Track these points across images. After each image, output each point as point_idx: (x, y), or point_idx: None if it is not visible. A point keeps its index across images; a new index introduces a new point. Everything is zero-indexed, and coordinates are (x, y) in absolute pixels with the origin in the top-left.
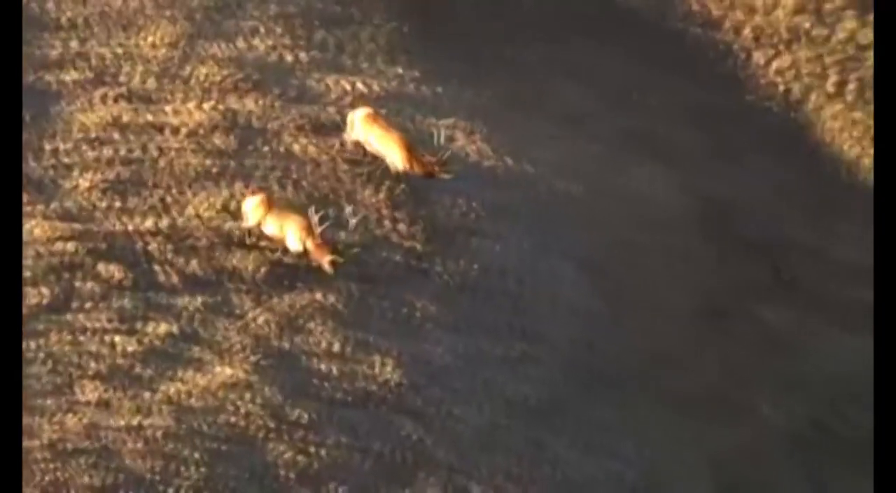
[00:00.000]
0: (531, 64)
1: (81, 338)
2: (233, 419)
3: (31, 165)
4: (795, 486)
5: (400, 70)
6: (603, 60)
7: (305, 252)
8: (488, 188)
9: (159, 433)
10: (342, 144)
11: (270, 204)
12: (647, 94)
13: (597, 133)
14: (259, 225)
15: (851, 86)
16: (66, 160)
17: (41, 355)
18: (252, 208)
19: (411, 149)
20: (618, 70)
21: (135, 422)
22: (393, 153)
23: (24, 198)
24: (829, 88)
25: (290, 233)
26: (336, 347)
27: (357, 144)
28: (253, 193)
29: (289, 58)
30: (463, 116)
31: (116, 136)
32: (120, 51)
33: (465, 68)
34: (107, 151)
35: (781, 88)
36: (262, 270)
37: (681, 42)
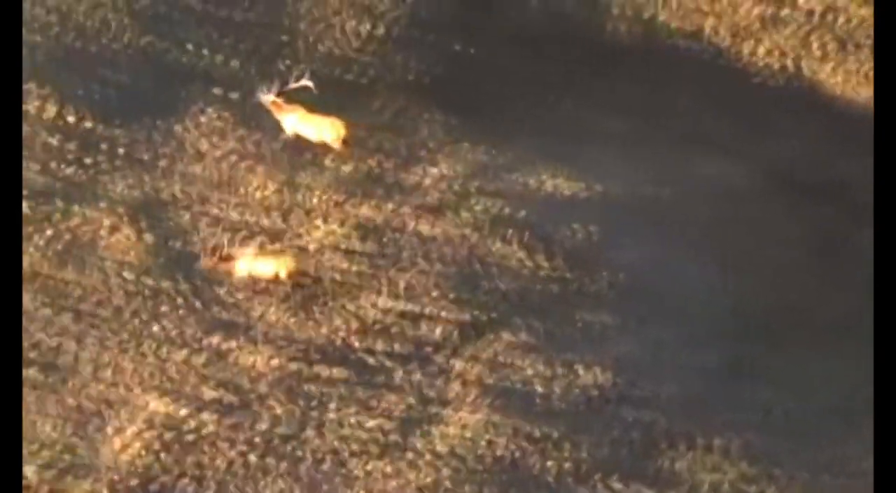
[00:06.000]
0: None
1: None
2: (499, 453)
3: None
4: None
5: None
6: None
7: None
8: (594, 211)
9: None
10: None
11: None
12: (676, 107)
13: (656, 140)
14: None
15: (831, 45)
16: None
17: None
18: None
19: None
20: (641, 95)
21: (412, 476)
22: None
23: None
24: (816, 52)
25: None
26: (548, 371)
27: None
28: None
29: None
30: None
31: None
32: None
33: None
34: None
35: (776, 65)
36: (454, 332)
37: (676, 54)
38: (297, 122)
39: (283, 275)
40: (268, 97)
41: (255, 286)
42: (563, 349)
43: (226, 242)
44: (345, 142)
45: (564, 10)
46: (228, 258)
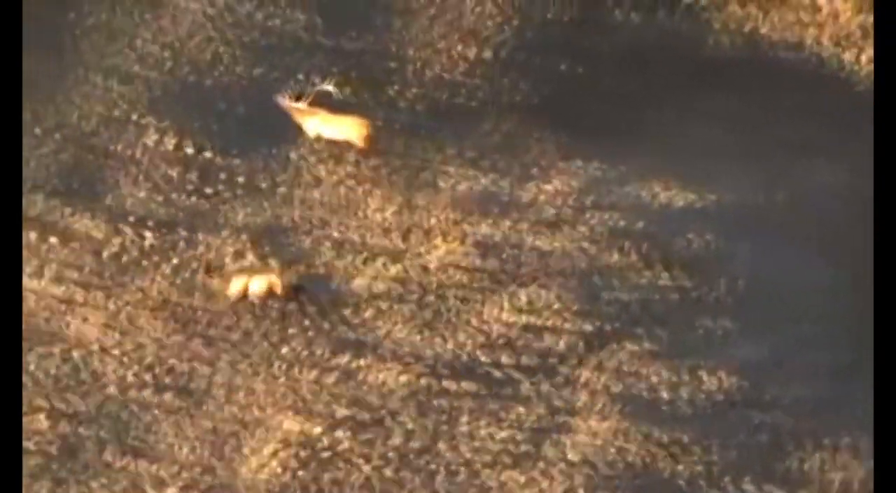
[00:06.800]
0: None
1: None
2: (630, 459)
3: None
4: None
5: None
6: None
7: None
8: (709, 220)
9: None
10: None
11: None
12: (780, 116)
13: (763, 150)
14: None
15: None
16: None
17: None
18: None
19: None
20: (745, 107)
21: (545, 485)
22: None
23: None
24: None
25: None
26: (673, 377)
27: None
28: None
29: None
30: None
31: None
32: None
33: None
34: None
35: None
36: (578, 343)
37: (778, 65)
38: (320, 124)
39: (278, 291)
40: (292, 103)
41: (380, 306)
42: (686, 356)
43: (226, 260)
44: (369, 139)
45: (666, 27)
46: (223, 275)
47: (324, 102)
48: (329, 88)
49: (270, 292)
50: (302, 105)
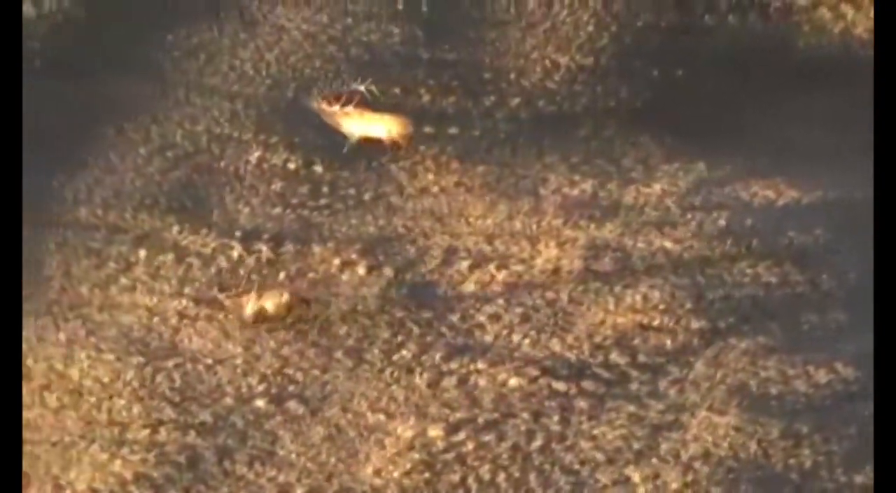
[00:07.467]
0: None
1: None
2: (749, 452)
3: None
4: None
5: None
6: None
7: None
8: (814, 216)
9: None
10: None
11: None
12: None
13: (860, 149)
14: None
15: None
16: None
17: None
18: None
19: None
20: (839, 108)
21: (668, 478)
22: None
23: None
24: None
25: None
26: (789, 371)
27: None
28: None
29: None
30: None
31: None
32: None
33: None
34: None
35: None
36: (692, 340)
37: (870, 65)
38: (357, 124)
39: (283, 310)
40: (327, 107)
41: (490, 311)
42: (799, 350)
43: (244, 279)
44: (407, 138)
45: (758, 30)
46: (242, 294)
47: (360, 103)
48: (361, 88)
49: (287, 308)
50: (337, 108)
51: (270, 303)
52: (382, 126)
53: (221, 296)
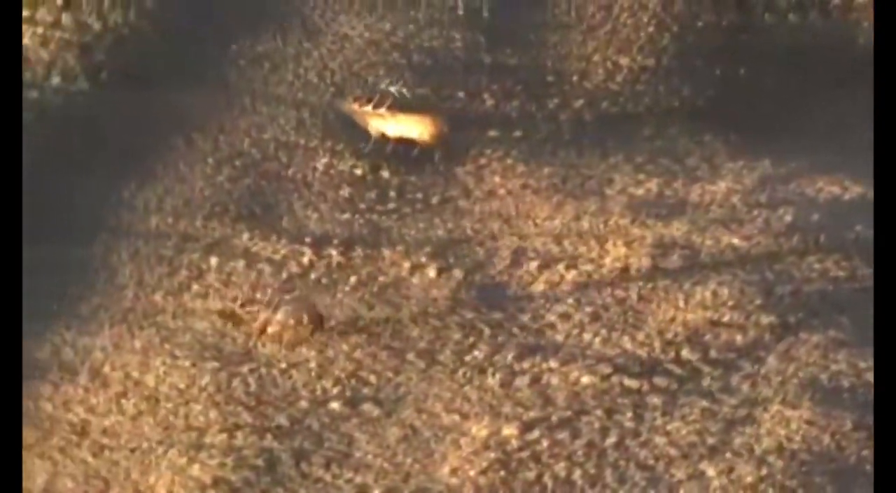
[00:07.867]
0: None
1: None
2: (822, 445)
3: None
4: None
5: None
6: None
7: None
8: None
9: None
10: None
11: None
12: None
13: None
14: None
15: None
16: None
17: None
18: None
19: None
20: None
21: (743, 472)
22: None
23: None
24: None
25: None
26: (860, 363)
27: (399, 140)
28: None
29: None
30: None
31: None
32: None
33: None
34: None
35: None
36: (763, 335)
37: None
38: (387, 123)
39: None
40: (359, 108)
41: (560, 310)
42: (869, 342)
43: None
44: (440, 139)
45: (818, 27)
46: (260, 323)
47: (392, 104)
48: (393, 89)
49: (297, 323)
50: (369, 108)
51: (277, 321)
52: (415, 127)
53: (241, 311)
